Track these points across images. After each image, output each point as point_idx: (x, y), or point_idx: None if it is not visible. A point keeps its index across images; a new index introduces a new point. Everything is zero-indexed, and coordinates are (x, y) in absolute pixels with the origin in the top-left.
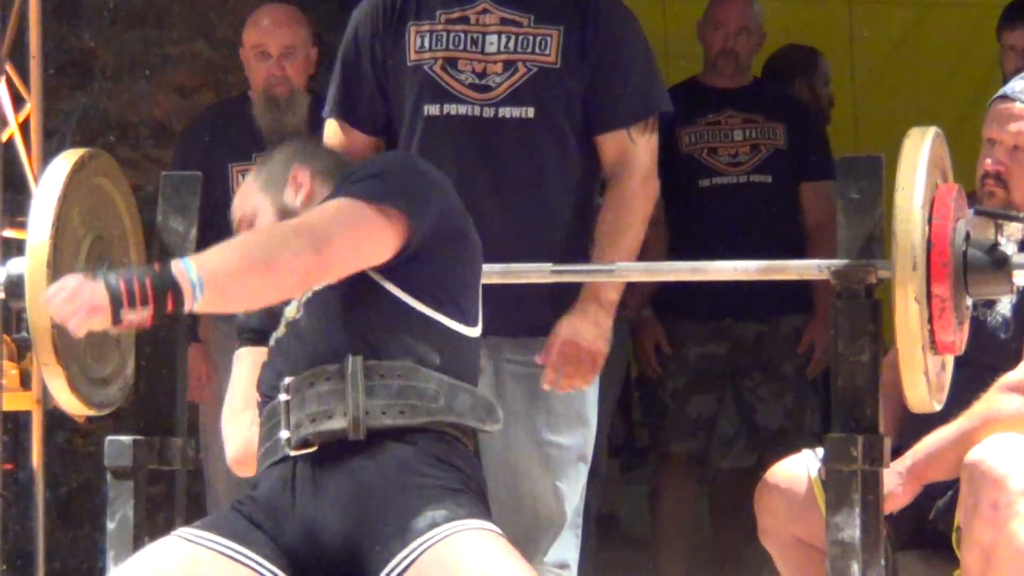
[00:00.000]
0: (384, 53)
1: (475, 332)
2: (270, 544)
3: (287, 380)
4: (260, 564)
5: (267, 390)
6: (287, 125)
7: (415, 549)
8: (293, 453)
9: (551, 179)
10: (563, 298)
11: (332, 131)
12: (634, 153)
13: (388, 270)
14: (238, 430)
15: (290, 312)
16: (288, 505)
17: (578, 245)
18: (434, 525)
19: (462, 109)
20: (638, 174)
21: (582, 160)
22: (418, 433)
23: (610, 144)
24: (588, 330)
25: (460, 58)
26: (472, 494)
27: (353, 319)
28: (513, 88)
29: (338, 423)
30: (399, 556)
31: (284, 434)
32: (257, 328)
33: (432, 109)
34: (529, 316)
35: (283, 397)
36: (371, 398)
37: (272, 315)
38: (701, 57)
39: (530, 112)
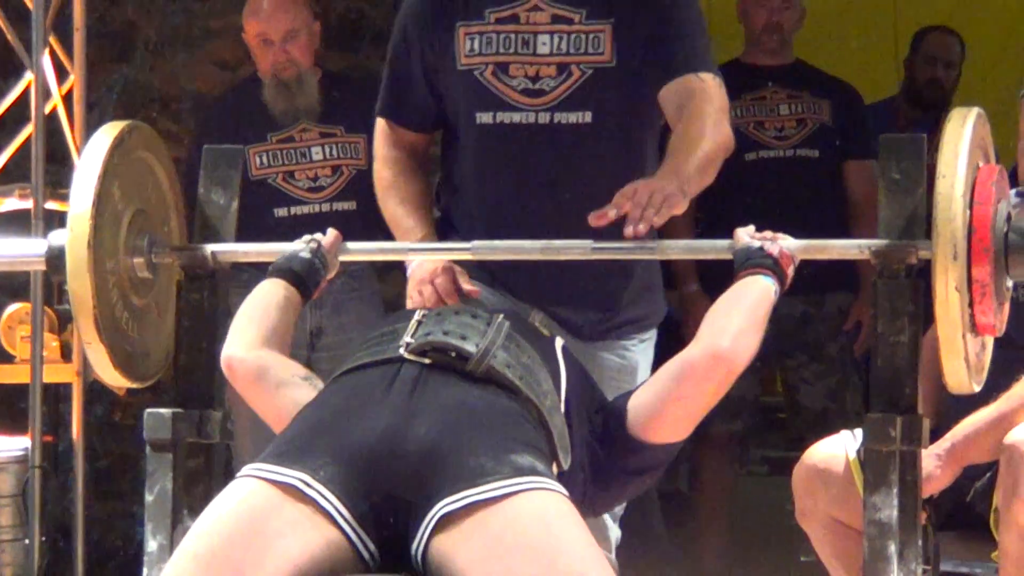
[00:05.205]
0: (434, 55)
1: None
2: (332, 456)
3: (424, 311)
4: (325, 497)
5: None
6: (299, 106)
7: (501, 487)
8: (407, 355)
9: (610, 184)
10: (638, 299)
11: (381, 129)
12: (704, 87)
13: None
14: (258, 345)
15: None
16: (379, 396)
17: None
18: (523, 472)
19: (516, 117)
20: (714, 100)
21: (641, 161)
22: (525, 401)
23: (675, 89)
24: (668, 180)
25: (511, 62)
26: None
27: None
28: (568, 92)
29: (469, 346)
30: (483, 487)
31: (407, 339)
32: (296, 271)
33: (485, 117)
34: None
35: (418, 316)
36: (503, 352)
37: (311, 267)
38: (743, 39)
39: (587, 116)
